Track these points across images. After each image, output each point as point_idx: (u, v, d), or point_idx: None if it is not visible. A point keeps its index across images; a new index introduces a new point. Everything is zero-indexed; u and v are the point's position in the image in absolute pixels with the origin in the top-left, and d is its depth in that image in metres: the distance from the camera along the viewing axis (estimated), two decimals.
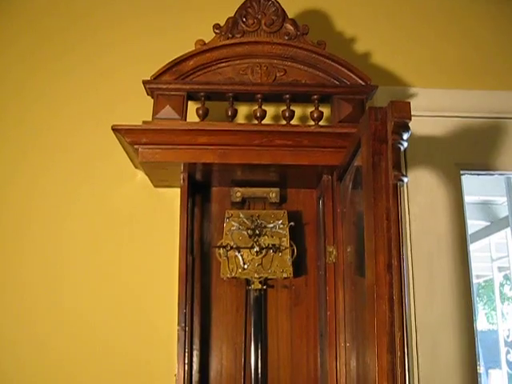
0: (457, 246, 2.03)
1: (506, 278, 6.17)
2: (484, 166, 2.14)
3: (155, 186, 1.99)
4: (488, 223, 4.99)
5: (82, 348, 1.91)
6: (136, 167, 1.94)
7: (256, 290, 1.82)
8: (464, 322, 1.96)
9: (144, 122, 1.72)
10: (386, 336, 1.24)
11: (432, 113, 2.09)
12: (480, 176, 2.24)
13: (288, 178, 1.89)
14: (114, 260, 1.97)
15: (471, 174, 2.16)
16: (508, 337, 5.79)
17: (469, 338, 1.95)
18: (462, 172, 2.12)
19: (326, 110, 1.82)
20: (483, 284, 7.10)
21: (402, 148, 1.35)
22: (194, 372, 1.81)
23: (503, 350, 5.75)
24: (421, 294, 1.96)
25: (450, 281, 1.99)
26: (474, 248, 4.42)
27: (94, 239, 1.99)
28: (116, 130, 1.68)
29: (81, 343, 1.91)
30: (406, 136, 1.34)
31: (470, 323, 1.97)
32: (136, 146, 1.70)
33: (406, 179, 1.32)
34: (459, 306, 1.97)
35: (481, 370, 1.91)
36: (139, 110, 1.78)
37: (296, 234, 1.89)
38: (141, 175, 1.97)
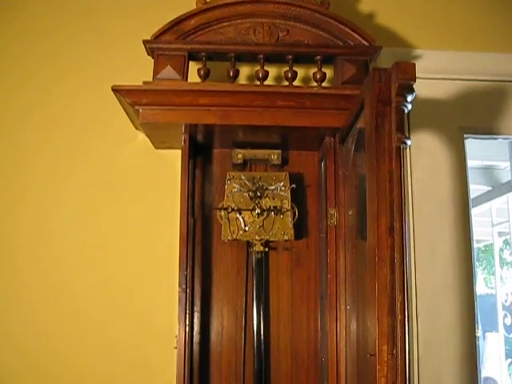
0: (459, 210, 2.02)
1: (506, 243, 6.18)
2: (488, 129, 2.12)
3: (156, 148, 1.97)
4: (489, 188, 4.96)
5: (83, 313, 1.92)
6: (137, 128, 1.92)
7: (257, 252, 1.82)
8: (464, 285, 1.96)
9: (144, 83, 1.69)
10: (387, 299, 1.24)
11: (436, 75, 2.06)
12: (483, 140, 2.22)
13: (290, 139, 1.88)
14: (114, 221, 1.97)
15: (475, 138, 2.14)
16: (506, 301, 5.83)
17: (468, 302, 1.96)
18: (465, 136, 2.10)
19: (329, 72, 1.80)
20: (483, 249, 7.13)
21: (405, 110, 1.33)
22: (194, 333, 1.83)
23: (501, 313, 5.79)
24: (422, 258, 1.95)
25: (450, 245, 1.99)
26: (474, 213, 4.41)
27: (94, 201, 1.98)
28: (116, 90, 1.66)
29: (81, 308, 1.93)
30: (410, 98, 1.32)
31: (469, 287, 1.97)
32: (136, 107, 1.68)
33: (409, 142, 1.31)
34: (460, 269, 1.97)
35: (478, 333, 1.93)
36: (140, 71, 1.75)
37: (297, 197, 1.88)
38: (141, 137, 1.95)
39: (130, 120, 1.86)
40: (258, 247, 1.81)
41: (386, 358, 1.22)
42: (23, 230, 1.96)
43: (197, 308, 1.85)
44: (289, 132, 1.78)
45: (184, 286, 1.68)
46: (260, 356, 1.79)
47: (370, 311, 1.32)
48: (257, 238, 1.80)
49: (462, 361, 1.92)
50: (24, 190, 1.99)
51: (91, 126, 2.03)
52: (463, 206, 2.03)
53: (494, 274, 6.39)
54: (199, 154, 1.92)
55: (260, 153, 1.89)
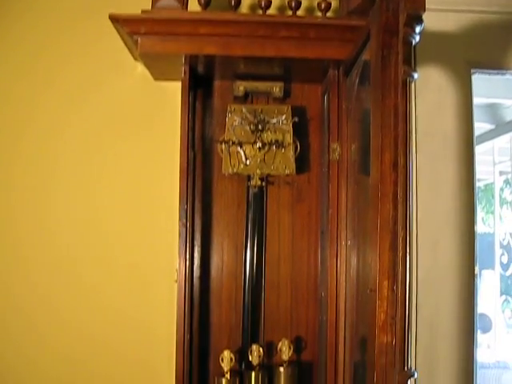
0: (463, 147, 1.99)
1: (507, 182, 6.18)
2: (496, 64, 2.07)
3: (155, 79, 1.92)
4: (493, 126, 4.91)
5: (84, 254, 1.93)
6: (136, 59, 1.87)
7: (257, 186, 1.80)
8: (464, 223, 1.96)
9: (143, 12, 1.63)
10: (389, 234, 1.23)
11: (446, 6, 1.99)
12: (489, 76, 2.16)
13: (292, 71, 1.83)
14: (112, 155, 1.95)
15: (482, 73, 2.08)
16: (504, 240, 5.87)
17: (468, 240, 1.95)
18: (472, 71, 2.04)
19: (334, 1, 1.73)
20: (483, 188, 7.12)
21: (413, 42, 1.29)
22: (195, 267, 1.83)
23: (498, 252, 5.84)
24: (424, 194, 1.94)
25: (453, 182, 1.97)
26: (476, 151, 4.40)
27: (92, 134, 1.95)
28: (114, 19, 1.60)
29: (81, 247, 1.93)
30: (418, 29, 1.28)
31: (470, 225, 1.97)
32: (135, 37, 1.63)
33: (415, 75, 1.27)
34: (461, 207, 1.96)
35: (476, 270, 1.95)
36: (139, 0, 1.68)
37: (299, 130, 1.84)
38: (141, 68, 1.90)
39: (129, 50, 1.80)
40: (258, 181, 1.79)
41: (386, 294, 1.22)
42: (22, 164, 1.95)
43: (197, 242, 1.85)
44: (291, 64, 1.74)
45: (184, 220, 1.67)
46: (260, 290, 1.81)
47: (371, 247, 1.31)
48: (258, 171, 1.78)
49: (460, 297, 1.93)
50: (24, 124, 1.96)
51: (88, 58, 1.97)
52: (467, 143, 2.00)
53: (492, 213, 6.41)
54: (200, 86, 1.88)
55: (262, 85, 1.84)
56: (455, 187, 1.97)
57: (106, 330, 1.92)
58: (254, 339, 1.80)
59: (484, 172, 5.98)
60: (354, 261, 1.62)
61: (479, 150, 5.26)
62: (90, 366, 1.93)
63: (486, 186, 6.88)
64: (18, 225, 1.94)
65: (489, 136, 5.02)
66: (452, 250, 1.94)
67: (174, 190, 1.69)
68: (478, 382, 1.95)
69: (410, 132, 1.62)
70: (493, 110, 4.71)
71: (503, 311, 6.34)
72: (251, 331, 1.81)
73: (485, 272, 6.19)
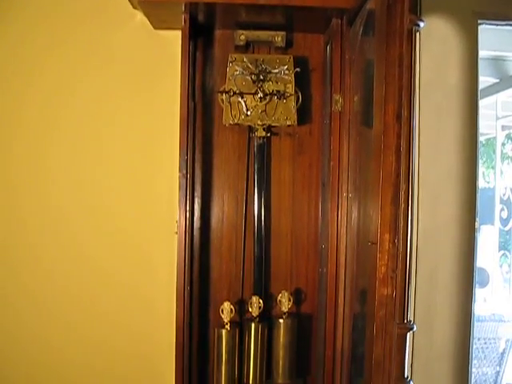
0: (466, 100, 1.96)
1: (509, 137, 6.13)
2: (504, 16, 2.02)
3: (155, 28, 1.88)
4: (497, 80, 4.84)
5: (84, 206, 1.92)
6: (135, 8, 1.82)
7: (258, 137, 1.78)
8: (466, 178, 1.94)
9: None
10: (391, 187, 1.22)
11: None
12: (494, 28, 2.11)
13: (295, 20, 1.78)
14: (112, 105, 1.92)
15: (489, 24, 2.03)
16: (504, 195, 5.86)
17: (470, 195, 1.94)
18: (479, 21, 1.99)
19: None
20: (484, 142, 7.08)
21: None
22: (195, 219, 1.82)
23: (498, 207, 5.84)
24: (426, 148, 1.92)
25: (455, 136, 1.95)
26: (479, 105, 4.34)
27: (91, 83, 1.92)
28: None
29: (80, 201, 1.92)
30: None
31: (471, 180, 1.95)
32: None
33: (422, 24, 1.24)
34: (463, 162, 1.94)
35: (477, 225, 1.95)
36: None
37: (301, 81, 1.81)
38: (140, 16, 1.86)
39: None
40: (260, 132, 1.77)
41: (387, 247, 1.22)
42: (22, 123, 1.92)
43: (197, 194, 1.83)
44: (294, 12, 1.69)
45: (184, 172, 1.66)
46: (260, 242, 1.80)
47: (373, 199, 1.30)
48: (259, 122, 1.76)
49: (460, 251, 1.93)
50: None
51: (86, 6, 1.92)
52: (471, 96, 1.97)
53: (493, 168, 6.39)
54: (200, 35, 1.84)
55: (263, 34, 1.80)
56: (458, 141, 1.94)
57: (104, 277, 1.93)
58: (254, 291, 1.80)
59: (486, 126, 5.93)
60: (354, 213, 1.61)
61: (482, 104, 5.17)
62: (92, 312, 1.95)
63: (487, 140, 6.84)
64: (17, 188, 1.93)
65: (492, 90, 4.94)
66: (453, 204, 1.93)
67: (174, 141, 1.67)
68: (474, 334, 1.97)
69: (414, 83, 1.60)
70: (497, 63, 4.63)
71: (501, 266, 6.39)
72: (251, 283, 1.81)
73: (484, 227, 6.20)
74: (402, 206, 1.22)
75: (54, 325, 1.95)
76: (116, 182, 1.92)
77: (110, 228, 1.92)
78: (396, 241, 1.22)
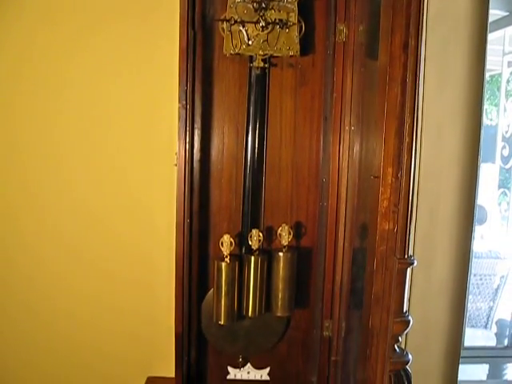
0: (475, 34, 1.90)
1: None
2: None
3: None
4: (506, 13, 4.70)
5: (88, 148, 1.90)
6: None
7: (260, 67, 1.73)
8: (471, 114, 1.90)
9: None
10: (396, 120, 1.19)
11: None
12: None
13: None
14: (110, 32, 1.86)
15: None
16: (506, 132, 5.82)
17: (473, 131, 1.91)
18: None
19: None
20: (489, 79, 6.97)
21: None
22: (195, 151, 1.80)
23: (499, 145, 5.81)
24: (431, 82, 1.87)
25: (462, 70, 1.90)
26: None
27: (86, 12, 1.86)
28: None
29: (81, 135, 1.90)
30: None
31: (476, 116, 1.91)
32: None
33: None
34: (469, 97, 1.90)
35: (479, 162, 1.94)
36: None
37: (305, 10, 1.74)
38: None
39: None
40: (261, 62, 1.71)
41: (390, 181, 1.20)
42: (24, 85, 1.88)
43: (197, 125, 1.80)
44: None
45: (184, 102, 1.63)
46: (260, 174, 1.79)
47: (376, 133, 1.28)
48: (260, 52, 1.70)
49: (461, 188, 1.92)
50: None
51: None
52: (480, 30, 1.91)
53: (496, 105, 6.32)
54: None
55: None
56: (464, 75, 1.90)
57: (104, 210, 1.93)
58: (254, 224, 1.80)
59: (492, 62, 5.81)
60: (357, 147, 1.59)
61: (489, 38, 5.07)
62: (90, 254, 1.96)
63: (492, 77, 6.73)
64: (22, 149, 1.91)
65: (501, 24, 4.80)
66: (456, 140, 1.90)
67: (174, 71, 1.63)
68: (472, 270, 1.98)
69: (423, 13, 1.54)
70: None
71: (499, 204, 6.41)
72: (251, 216, 1.81)
73: (484, 165, 6.20)
74: (407, 139, 1.19)
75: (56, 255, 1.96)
76: (114, 113, 1.88)
77: (109, 159, 1.89)
78: (399, 175, 1.20)
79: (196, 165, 1.80)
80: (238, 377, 1.96)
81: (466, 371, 2.07)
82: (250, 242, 1.74)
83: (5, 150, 1.91)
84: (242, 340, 1.90)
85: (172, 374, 1.82)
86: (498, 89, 6.01)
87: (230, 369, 1.96)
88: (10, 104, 1.89)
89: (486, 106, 7.16)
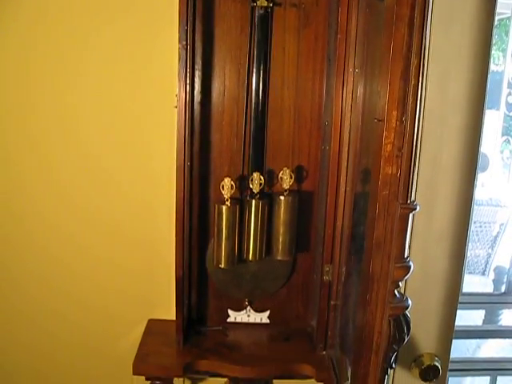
0: None
1: None
2: None
3: None
4: None
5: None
6: None
7: (261, 7, 1.68)
8: (479, 59, 1.86)
9: None
10: (402, 61, 1.17)
11: None
12: None
13: None
14: None
15: None
16: None
17: (480, 76, 1.87)
18: None
19: None
20: (497, 23, 6.84)
21: None
22: (195, 92, 1.76)
23: (505, 91, 5.74)
24: (438, 21, 1.82)
25: (470, 14, 1.83)
26: None
27: None
28: None
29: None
30: None
31: (483, 61, 1.86)
32: None
33: None
34: (477, 40, 1.85)
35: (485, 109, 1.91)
36: None
37: None
38: None
39: None
40: (263, 2, 1.67)
41: (394, 124, 1.18)
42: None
43: (198, 67, 1.76)
44: None
45: (184, 43, 1.59)
46: (262, 117, 1.76)
47: (381, 75, 1.25)
48: None
49: (465, 134, 1.89)
50: None
51: None
52: None
53: (503, 50, 6.21)
54: None
55: None
56: (473, 17, 1.84)
57: (102, 152, 1.91)
58: (255, 167, 1.78)
59: (501, 5, 5.68)
60: (360, 90, 1.56)
61: None
62: (90, 201, 1.95)
63: (500, 21, 6.61)
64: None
65: None
66: (462, 84, 1.86)
67: (174, 10, 1.58)
68: (473, 218, 1.97)
69: None
70: None
71: (502, 151, 6.39)
72: (252, 159, 1.79)
73: (488, 112, 6.15)
74: (412, 81, 1.17)
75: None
76: (113, 54, 1.83)
77: (108, 101, 1.86)
78: (404, 118, 1.18)
79: (196, 107, 1.77)
80: (238, 320, 1.98)
81: (462, 316, 2.09)
82: (250, 186, 1.72)
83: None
84: (247, 284, 1.92)
85: (173, 317, 1.84)
86: (506, 33, 5.90)
87: (230, 312, 1.97)
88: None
89: (493, 51, 7.06)
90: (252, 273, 1.90)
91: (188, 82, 1.62)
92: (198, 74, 1.76)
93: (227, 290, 1.93)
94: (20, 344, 2.10)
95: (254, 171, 1.73)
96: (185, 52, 1.59)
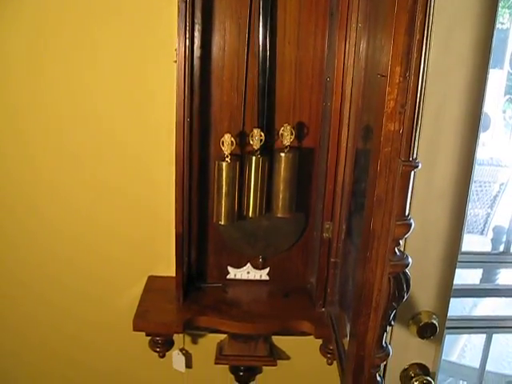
0: None
1: None
2: None
3: None
4: None
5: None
6: None
7: None
8: (483, 16, 1.82)
9: None
10: (407, 15, 1.13)
11: None
12: None
13: None
14: None
15: None
16: None
17: (485, 35, 1.83)
18: None
19: None
20: None
21: None
22: (195, 47, 1.73)
23: (509, 50, 5.67)
24: None
25: None
26: None
27: None
28: None
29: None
30: None
31: (489, 19, 1.83)
32: None
33: None
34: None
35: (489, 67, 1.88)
36: None
37: None
38: None
39: None
40: None
41: (397, 80, 1.16)
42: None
43: (197, 21, 1.72)
44: None
45: None
46: (263, 71, 1.73)
47: (385, 29, 1.22)
48: None
49: (469, 92, 1.86)
50: None
51: None
52: None
53: (509, 7, 6.12)
54: None
55: None
56: None
57: (98, 107, 1.89)
58: (256, 123, 1.76)
59: None
60: (363, 45, 1.53)
61: None
62: (88, 158, 1.93)
63: None
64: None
65: None
66: (467, 42, 1.83)
67: None
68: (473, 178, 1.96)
69: None
70: None
71: (504, 111, 6.35)
72: (253, 115, 1.77)
73: (492, 70, 6.09)
74: (417, 36, 1.14)
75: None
76: (111, 7, 1.79)
77: (106, 55, 1.83)
78: (407, 74, 1.15)
79: (196, 62, 1.74)
80: (238, 276, 1.99)
81: (460, 275, 2.10)
82: (251, 142, 1.71)
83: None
84: (260, 241, 1.93)
85: (173, 274, 1.84)
86: None
87: (229, 268, 1.98)
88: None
89: (499, 7, 6.94)
90: (264, 229, 1.91)
91: (188, 36, 1.59)
92: (197, 28, 1.73)
93: (240, 248, 1.94)
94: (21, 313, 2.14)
95: (255, 127, 1.71)
96: (184, 5, 1.55)
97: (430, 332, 1.88)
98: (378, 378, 1.30)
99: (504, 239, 4.68)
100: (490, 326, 2.65)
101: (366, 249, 1.25)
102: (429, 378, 1.92)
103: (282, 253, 1.97)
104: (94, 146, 1.91)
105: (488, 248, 4.92)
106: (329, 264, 1.82)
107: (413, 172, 1.20)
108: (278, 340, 2.13)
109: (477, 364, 2.87)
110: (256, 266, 1.98)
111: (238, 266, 1.98)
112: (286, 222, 1.89)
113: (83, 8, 1.78)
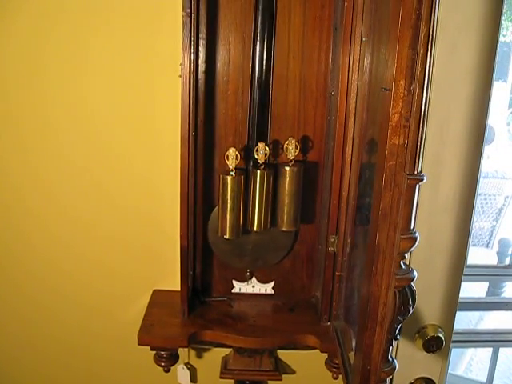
0: None
1: None
2: None
3: None
4: None
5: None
6: None
7: None
8: (487, 30, 1.83)
9: None
10: (411, 29, 1.14)
11: None
12: None
13: None
14: None
15: None
16: None
17: (490, 48, 1.84)
18: None
19: None
20: None
21: None
22: (200, 62, 1.74)
23: None
24: None
25: None
26: None
27: None
28: None
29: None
30: None
31: (492, 33, 1.84)
32: None
33: None
34: (486, 12, 1.82)
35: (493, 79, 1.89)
36: None
37: None
38: None
39: None
40: None
41: (402, 94, 1.16)
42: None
43: (202, 35, 1.74)
44: None
45: (188, 10, 1.55)
46: (267, 86, 1.73)
47: (389, 43, 1.22)
48: None
49: (473, 106, 1.86)
50: None
51: None
52: None
53: None
54: None
55: None
56: None
57: (104, 121, 1.89)
58: (260, 137, 1.76)
59: None
60: (367, 59, 1.54)
61: None
62: (92, 172, 1.94)
63: None
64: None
65: None
66: (471, 55, 1.84)
67: None
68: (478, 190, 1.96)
69: None
70: None
71: (508, 124, 6.35)
72: (257, 129, 1.77)
73: (495, 83, 6.09)
74: (421, 50, 1.14)
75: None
76: (116, 20, 1.80)
77: (111, 68, 1.84)
78: (412, 88, 1.16)
79: (201, 76, 1.75)
80: (243, 290, 1.98)
81: (465, 289, 2.09)
82: (256, 156, 1.71)
83: None
84: (249, 255, 1.92)
85: (178, 288, 1.84)
86: None
87: (234, 282, 1.98)
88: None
89: (502, 21, 6.96)
90: (254, 243, 1.90)
91: (192, 50, 1.60)
92: (202, 42, 1.74)
93: (228, 261, 1.94)
94: (22, 321, 2.14)
95: (259, 141, 1.72)
96: (189, 20, 1.56)
97: (436, 346, 1.87)
98: None
99: (510, 252, 4.67)
100: (496, 340, 2.64)
101: (372, 262, 1.25)
102: None
103: (271, 267, 1.97)
104: (99, 160, 1.91)
105: (494, 261, 4.89)
106: (334, 278, 1.81)
107: (418, 185, 1.19)
108: (283, 354, 2.12)
109: (484, 378, 2.85)
110: (243, 280, 1.98)
111: (243, 279, 1.97)
112: (276, 236, 1.89)
113: (88, 23, 1.79)
